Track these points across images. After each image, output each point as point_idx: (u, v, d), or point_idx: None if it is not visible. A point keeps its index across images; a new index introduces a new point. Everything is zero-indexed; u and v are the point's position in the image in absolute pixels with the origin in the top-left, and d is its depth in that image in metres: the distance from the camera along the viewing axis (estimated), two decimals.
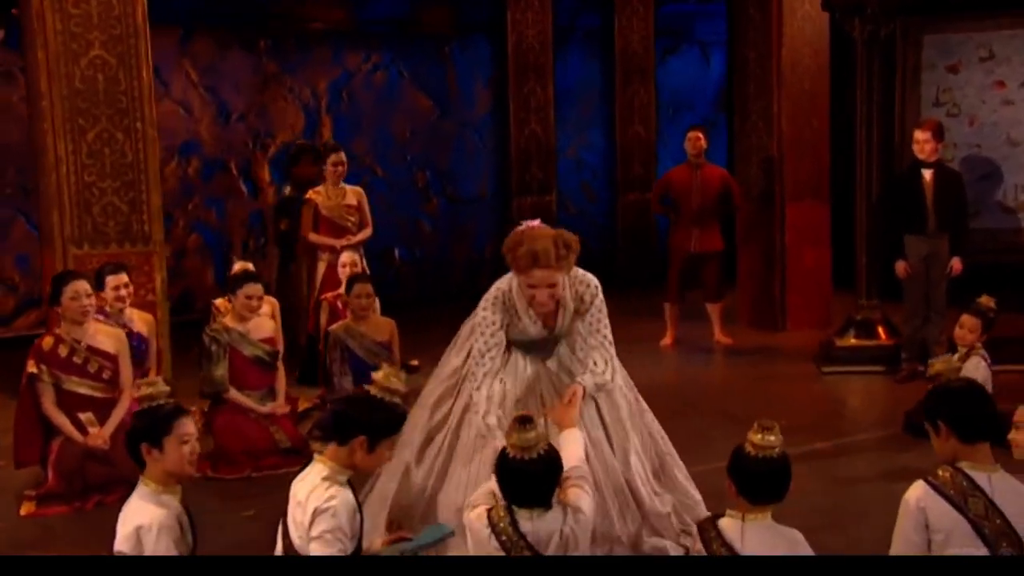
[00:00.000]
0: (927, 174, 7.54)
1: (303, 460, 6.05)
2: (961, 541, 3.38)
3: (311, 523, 3.49)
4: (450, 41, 12.23)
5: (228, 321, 6.37)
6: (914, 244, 7.59)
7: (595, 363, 4.47)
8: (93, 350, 5.89)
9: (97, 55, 7.03)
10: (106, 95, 7.07)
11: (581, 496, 3.62)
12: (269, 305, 7.37)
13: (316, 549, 3.49)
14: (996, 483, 3.47)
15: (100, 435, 5.80)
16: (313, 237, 8.31)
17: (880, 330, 8.16)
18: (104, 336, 5.99)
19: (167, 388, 3.67)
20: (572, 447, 3.87)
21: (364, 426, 3.58)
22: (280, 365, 6.55)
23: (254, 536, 5.18)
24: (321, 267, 8.36)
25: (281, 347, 7.32)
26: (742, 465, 3.45)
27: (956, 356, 6.48)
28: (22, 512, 5.56)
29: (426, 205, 12.29)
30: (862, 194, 8.12)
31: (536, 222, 4.39)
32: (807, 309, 9.61)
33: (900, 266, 7.64)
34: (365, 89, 11.85)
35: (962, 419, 3.50)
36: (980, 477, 3.46)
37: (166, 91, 10.93)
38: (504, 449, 3.52)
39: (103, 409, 5.92)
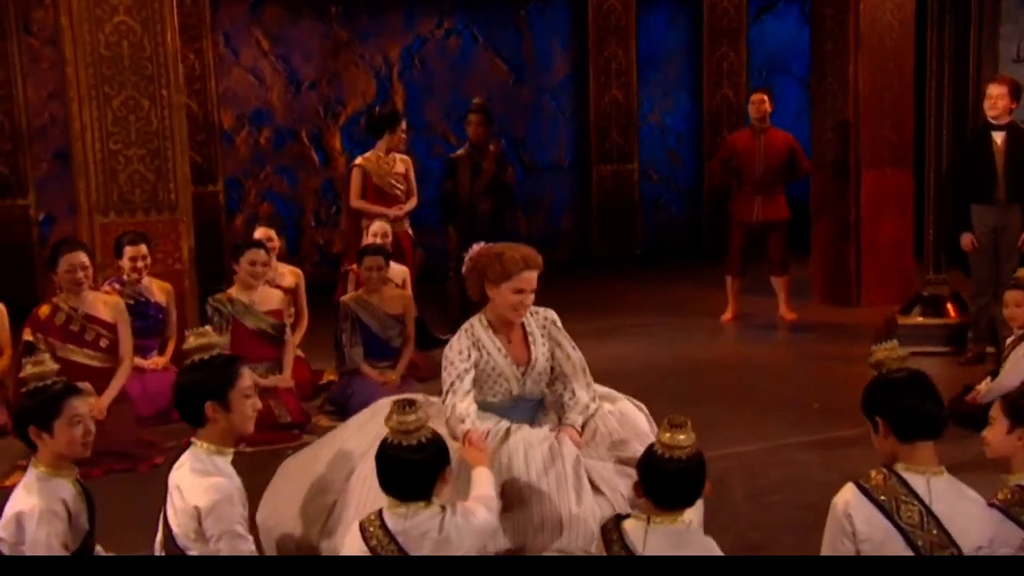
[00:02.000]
0: (998, 137, 6.88)
1: (301, 436, 5.99)
2: (891, 552, 2.96)
3: (201, 522, 3.27)
4: (527, 4, 11.90)
5: (233, 291, 6.23)
6: (982, 214, 6.96)
7: (574, 395, 4.27)
8: (90, 318, 5.84)
9: (121, 21, 6.96)
10: (131, 61, 6.98)
11: (478, 508, 3.33)
12: (293, 276, 7.26)
13: (226, 550, 3.27)
14: (936, 488, 3.03)
15: (96, 406, 5.70)
16: (360, 204, 8.06)
17: (949, 307, 7.54)
18: (103, 305, 5.94)
19: (56, 366, 3.50)
20: (482, 481, 3.58)
21: (200, 393, 3.37)
22: (289, 338, 6.37)
23: None
24: (367, 236, 8.11)
25: (305, 320, 7.21)
26: (650, 463, 3.10)
27: (1011, 339, 5.93)
28: (7, 482, 5.52)
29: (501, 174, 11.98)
30: (931, 160, 7.49)
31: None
32: (884, 284, 9.00)
33: (966, 239, 7.02)
34: (438, 55, 11.63)
35: (899, 415, 3.07)
36: (917, 481, 3.03)
37: (237, 60, 10.95)
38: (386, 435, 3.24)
39: (102, 379, 5.86)
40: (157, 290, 6.61)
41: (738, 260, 8.77)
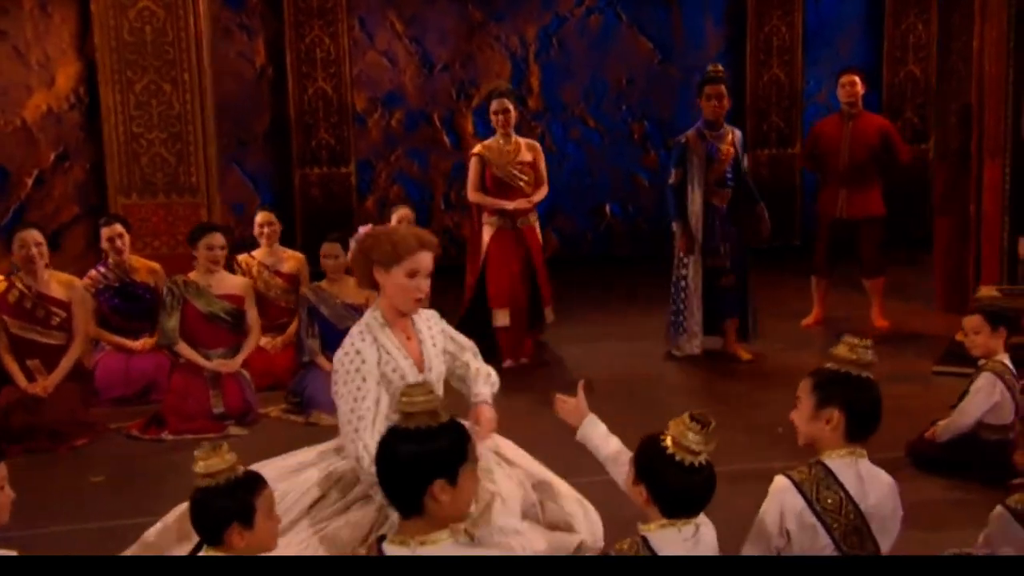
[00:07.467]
0: None
1: (226, 427, 5.93)
2: None
3: None
4: None
5: (193, 274, 6.23)
6: None
7: (469, 366, 4.08)
8: (42, 297, 6.02)
9: (145, 6, 7.14)
10: (154, 46, 7.17)
11: None
12: (295, 261, 7.18)
13: None
14: None
15: (41, 383, 5.91)
16: (477, 197, 7.15)
17: None
18: (56, 284, 6.10)
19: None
20: None
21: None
22: (253, 324, 6.28)
23: (89, 503, 5.05)
24: (487, 232, 7.16)
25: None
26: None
27: None
28: None
29: (644, 158, 11.41)
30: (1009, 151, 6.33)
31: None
32: None
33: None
34: (578, 34, 11.17)
35: None
36: None
37: (371, 43, 10.99)
38: None
39: (56, 356, 6.03)
40: (143, 271, 6.73)
41: (823, 259, 7.84)
